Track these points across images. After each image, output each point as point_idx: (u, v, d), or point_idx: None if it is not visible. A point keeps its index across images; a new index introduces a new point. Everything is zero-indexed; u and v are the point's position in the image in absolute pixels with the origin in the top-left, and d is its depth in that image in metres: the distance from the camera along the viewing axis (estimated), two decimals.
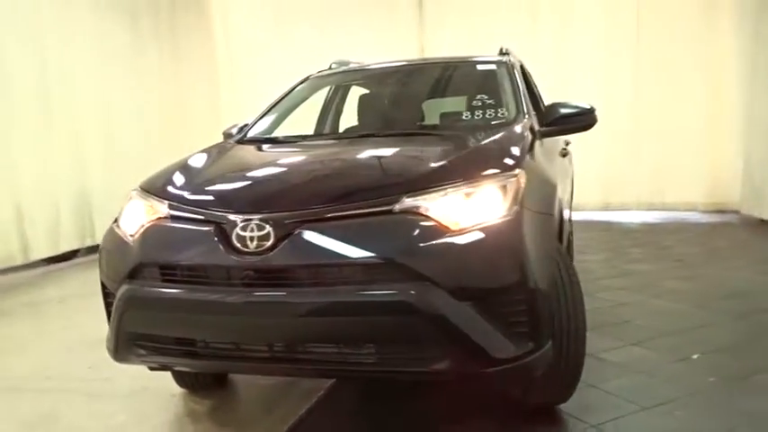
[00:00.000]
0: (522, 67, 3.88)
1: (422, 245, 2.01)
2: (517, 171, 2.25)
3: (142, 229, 2.34)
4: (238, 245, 2.09)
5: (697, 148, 8.30)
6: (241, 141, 3.21)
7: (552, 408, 2.61)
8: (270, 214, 2.10)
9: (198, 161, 2.73)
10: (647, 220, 8.09)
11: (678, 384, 2.84)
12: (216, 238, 2.12)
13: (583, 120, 3.10)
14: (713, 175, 8.30)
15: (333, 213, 2.09)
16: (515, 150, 2.43)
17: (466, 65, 3.72)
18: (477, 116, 3.13)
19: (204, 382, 2.98)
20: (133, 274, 2.27)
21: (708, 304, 4.09)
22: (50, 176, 6.58)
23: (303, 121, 3.88)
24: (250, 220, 2.10)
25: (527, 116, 3.00)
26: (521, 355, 2.09)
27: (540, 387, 2.43)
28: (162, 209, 2.35)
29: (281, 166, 2.61)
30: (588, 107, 3.13)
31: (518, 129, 2.76)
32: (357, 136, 3.09)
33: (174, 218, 2.30)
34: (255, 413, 2.81)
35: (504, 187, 2.18)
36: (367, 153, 2.67)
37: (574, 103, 3.16)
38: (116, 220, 2.51)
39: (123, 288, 2.27)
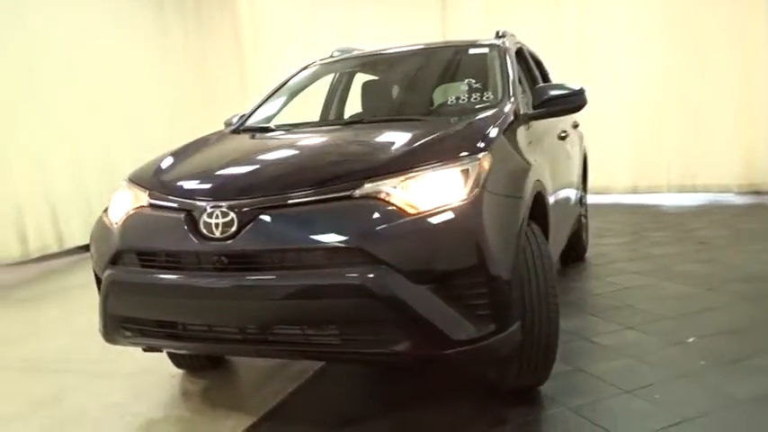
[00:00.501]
0: (520, 50, 3.84)
1: (379, 229, 2.05)
2: (481, 155, 2.26)
3: (124, 217, 2.45)
4: (205, 231, 2.17)
5: (730, 129, 8.04)
6: (236, 131, 3.30)
7: (534, 390, 2.62)
8: (233, 201, 2.18)
9: (184, 151, 2.83)
10: (678, 203, 7.89)
11: (666, 368, 2.80)
12: (186, 226, 2.21)
13: (571, 101, 3.07)
14: (747, 157, 8.04)
15: (294, 200, 2.15)
16: (483, 134, 2.43)
17: (459, 49, 3.70)
18: (463, 100, 3.13)
19: (200, 363, 3.10)
20: (115, 260, 2.39)
21: (720, 288, 3.99)
22: (80, 164, 6.81)
23: (309, 108, 3.97)
24: (215, 207, 2.18)
25: (512, 100, 2.98)
26: (481, 336, 2.12)
27: (514, 369, 2.44)
28: (143, 198, 2.46)
29: (254, 154, 2.67)
30: (577, 88, 3.10)
31: (495, 112, 2.75)
32: (342, 123, 3.14)
33: (152, 206, 2.40)
34: (245, 393, 2.91)
35: (466, 171, 2.19)
36: (338, 140, 2.72)
37: (562, 85, 3.14)
38: (105, 210, 2.63)
39: (106, 273, 2.39)
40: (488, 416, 2.47)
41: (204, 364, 3.10)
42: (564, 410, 2.47)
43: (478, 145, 2.32)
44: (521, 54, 3.87)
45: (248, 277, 2.11)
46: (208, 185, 2.36)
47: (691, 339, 3.13)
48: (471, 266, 2.08)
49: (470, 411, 2.53)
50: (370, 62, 3.94)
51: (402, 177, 2.16)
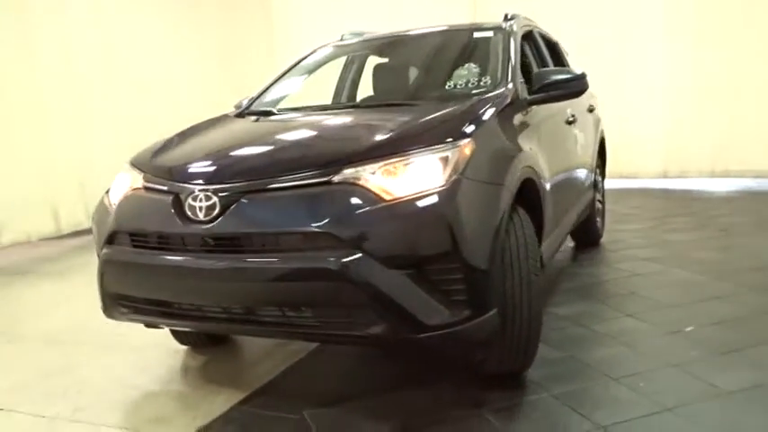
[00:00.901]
0: (530, 33, 3.80)
1: (354, 215, 2.09)
2: (462, 141, 2.28)
3: (121, 199, 2.55)
4: (190, 214, 2.25)
5: (764, 113, 7.77)
6: (241, 114, 3.36)
7: (519, 375, 2.65)
8: (217, 185, 2.25)
9: (183, 135, 2.92)
10: (709, 188, 7.70)
11: (657, 357, 2.79)
12: (173, 208, 2.29)
13: (571, 86, 3.05)
14: None
15: (274, 185, 2.21)
16: (468, 121, 2.44)
17: (464, 33, 3.68)
18: (460, 85, 3.13)
19: (201, 340, 3.21)
20: (110, 240, 2.50)
21: (731, 276, 3.92)
22: (113, 145, 7.03)
23: (317, 91, 4.01)
24: (200, 191, 2.25)
25: (509, 84, 2.97)
26: (456, 322, 2.15)
27: (496, 354, 2.47)
28: (139, 180, 2.55)
29: (246, 139, 2.73)
30: (578, 73, 3.08)
31: (487, 98, 2.75)
32: (339, 107, 3.18)
33: (146, 188, 2.49)
34: (241, 369, 3.00)
35: (445, 158, 2.21)
36: (327, 125, 2.76)
37: (563, 69, 3.11)
38: (107, 191, 2.74)
39: (102, 252, 2.50)
40: (470, 399, 2.51)
41: (205, 341, 3.22)
42: (546, 396, 2.49)
43: (461, 131, 2.34)
44: (530, 37, 3.84)
45: (229, 259, 2.18)
46: (195, 169, 2.43)
47: (688, 329, 3.10)
48: (445, 252, 2.10)
49: (453, 394, 2.57)
50: (376, 45, 3.95)
51: (381, 163, 2.19)
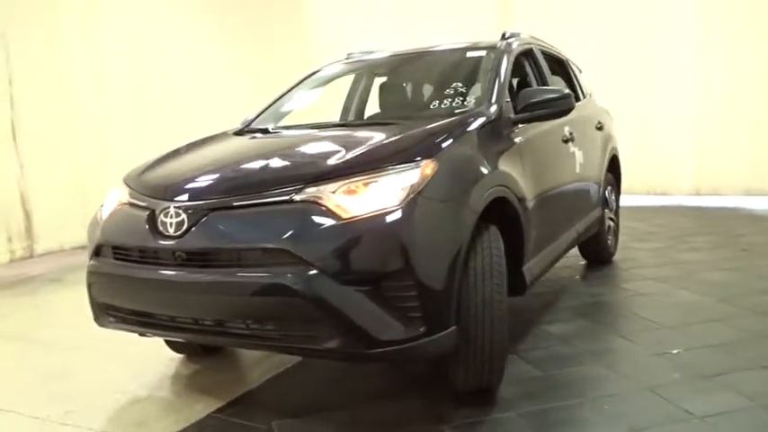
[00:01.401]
0: (529, 51, 3.82)
1: (310, 232, 2.17)
2: (424, 162, 2.33)
3: (109, 213, 2.70)
4: (162, 229, 2.37)
5: None
6: (240, 131, 3.49)
7: (490, 392, 2.66)
8: (185, 202, 2.37)
9: (174, 152, 3.06)
10: (740, 205, 7.46)
11: (636, 379, 2.76)
12: (147, 224, 2.42)
13: (557, 105, 3.07)
14: None
15: (239, 202, 2.31)
16: (433, 141, 2.49)
17: (459, 52, 3.73)
18: (445, 105, 3.18)
19: (194, 350, 3.32)
20: (97, 252, 2.64)
21: (736, 299, 3.82)
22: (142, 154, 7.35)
23: (320, 108, 4.12)
24: (170, 207, 2.37)
25: (493, 104, 3.01)
26: (410, 338, 2.20)
27: (459, 372, 2.50)
28: (126, 196, 2.70)
29: (225, 157, 2.84)
30: (562, 93, 3.09)
31: (462, 118, 2.80)
32: (328, 126, 3.25)
33: (129, 204, 2.63)
34: (226, 379, 3.08)
35: (404, 177, 2.27)
36: (302, 144, 2.85)
37: (548, 89, 3.13)
38: (102, 205, 2.89)
39: (89, 263, 2.65)
40: (436, 414, 2.54)
41: (199, 350, 3.33)
42: (512, 415, 2.50)
43: (424, 152, 2.39)
44: (530, 55, 3.86)
45: (195, 273, 2.29)
46: (169, 186, 2.55)
47: (675, 351, 3.05)
48: (397, 270, 2.16)
49: (420, 409, 2.61)
50: (375, 64, 4.04)
51: (342, 183, 2.27)
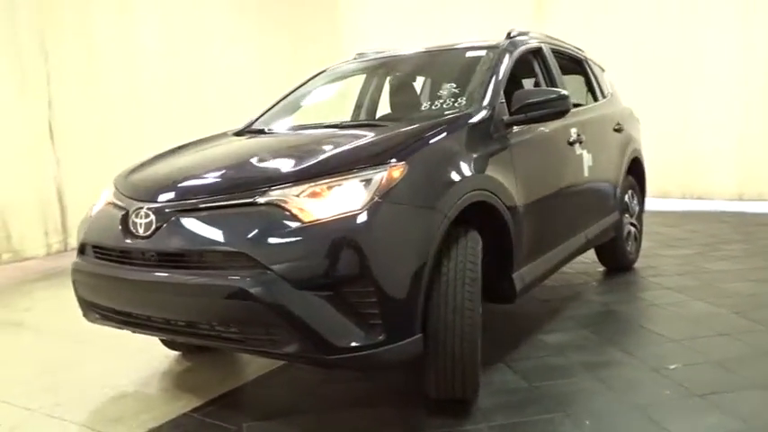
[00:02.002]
0: (538, 51, 3.70)
1: (268, 235, 2.15)
2: (391, 164, 2.28)
3: (94, 213, 2.76)
4: (132, 230, 2.40)
5: None
6: (240, 132, 3.51)
7: (469, 402, 2.59)
8: (154, 204, 2.39)
9: (164, 153, 3.10)
10: None
11: (624, 394, 2.64)
12: (120, 224, 2.45)
13: (551, 106, 2.97)
14: None
15: (205, 204, 2.31)
16: (406, 143, 2.44)
17: (461, 52, 3.65)
18: (436, 106, 3.12)
19: (189, 348, 3.35)
20: (81, 250, 2.70)
21: (753, 312, 3.61)
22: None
23: (323, 109, 4.11)
24: (141, 208, 2.40)
25: (485, 105, 2.93)
26: (369, 345, 2.16)
27: (430, 381, 2.44)
28: (110, 195, 2.75)
29: (202, 158, 2.85)
30: (558, 94, 2.99)
31: (448, 119, 2.75)
32: (319, 127, 3.23)
33: (112, 204, 2.68)
34: (212, 377, 3.07)
35: (368, 181, 2.23)
36: (278, 145, 2.84)
37: (544, 90, 3.03)
38: (94, 204, 2.96)
39: (73, 261, 2.71)
40: (406, 423, 2.49)
41: (193, 348, 3.37)
42: (484, 427, 2.43)
43: (393, 154, 2.34)
44: (539, 54, 3.75)
45: (160, 274, 2.30)
46: (143, 187, 2.58)
47: (673, 366, 2.90)
48: (355, 276, 2.12)
49: (393, 416, 2.56)
50: (378, 65, 3.99)
51: (307, 185, 2.24)
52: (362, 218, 2.15)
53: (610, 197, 4.26)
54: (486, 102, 2.96)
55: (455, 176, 2.49)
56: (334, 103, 4.04)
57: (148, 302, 2.41)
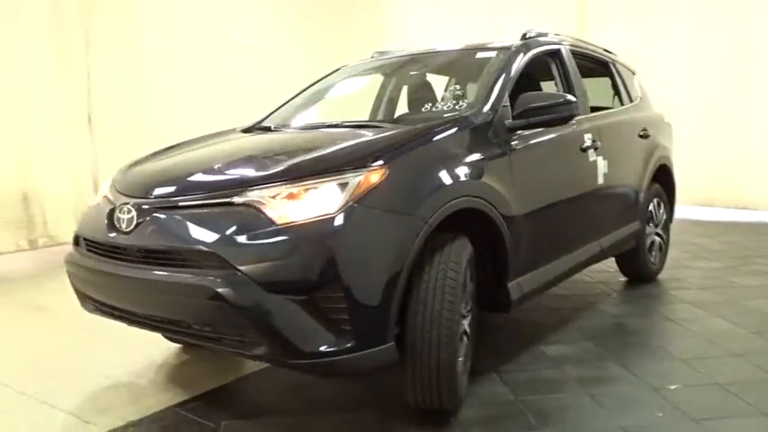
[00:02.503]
0: (556, 53, 3.59)
1: (241, 237, 2.14)
2: (371, 168, 2.24)
3: (91, 206, 2.81)
4: (116, 225, 2.43)
5: None
6: (248, 129, 3.52)
7: (450, 413, 2.53)
8: (136, 199, 2.41)
9: (165, 149, 3.12)
10: None
11: (614, 414, 2.53)
12: (106, 218, 2.49)
13: (555, 111, 2.87)
14: None
15: (184, 202, 2.32)
16: (388, 147, 2.39)
17: (472, 52, 3.56)
18: (437, 108, 3.05)
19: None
20: (76, 242, 2.75)
21: None
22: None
23: (337, 108, 4.09)
24: (125, 203, 2.42)
25: (486, 108, 2.85)
26: (338, 351, 2.13)
27: (408, 390, 2.40)
28: (106, 189, 2.79)
29: (191, 156, 2.84)
30: (563, 99, 2.89)
31: (442, 122, 2.68)
32: (319, 126, 3.21)
33: (105, 198, 2.72)
34: (204, 372, 3.09)
35: (345, 184, 2.19)
36: (271, 144, 2.83)
37: (549, 94, 2.94)
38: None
39: (68, 253, 2.77)
40: (384, 430, 2.45)
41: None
42: None
43: (374, 158, 2.29)
44: (556, 56, 3.63)
45: (137, 270, 2.32)
46: (131, 183, 2.61)
47: (673, 387, 2.77)
48: (326, 281, 2.08)
49: (371, 423, 2.53)
50: (391, 65, 3.94)
51: (284, 187, 2.22)
52: (335, 222, 2.11)
53: (630, 205, 4.10)
54: (487, 105, 2.88)
55: (440, 182, 2.42)
56: (347, 101, 4.00)
57: (129, 297, 2.44)
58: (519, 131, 2.94)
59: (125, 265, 2.39)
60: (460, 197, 2.47)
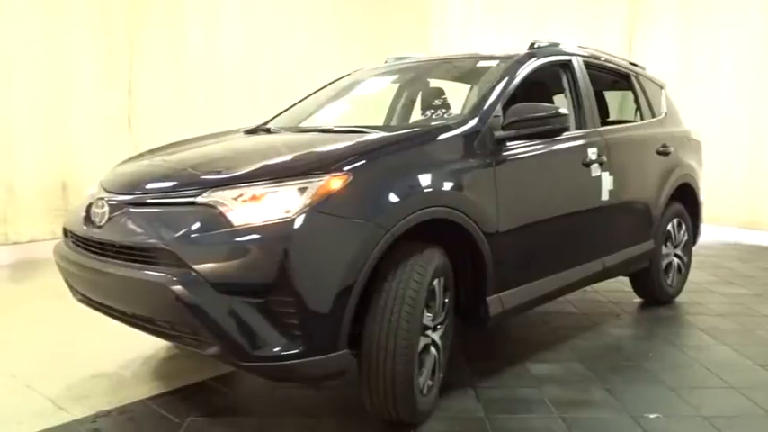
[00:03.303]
0: (567, 64, 3.51)
1: (198, 236, 2.16)
2: (333, 174, 2.23)
3: (83, 199, 2.90)
4: (92, 219, 2.50)
5: None
6: (251, 130, 3.56)
7: (413, 425, 2.50)
8: (111, 195, 2.47)
9: (159, 147, 3.20)
10: None
11: None
12: (84, 212, 2.57)
13: (546, 123, 2.81)
14: None
15: (151, 199, 2.37)
16: (356, 152, 2.38)
17: (474, 61, 3.51)
18: (426, 116, 3.02)
19: None
20: (65, 233, 2.85)
21: None
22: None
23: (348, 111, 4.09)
24: (101, 198, 2.50)
25: (472, 120, 2.80)
26: (286, 355, 2.13)
27: (365, 399, 2.38)
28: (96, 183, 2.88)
29: (175, 155, 2.87)
30: (554, 111, 2.81)
31: (419, 131, 2.66)
32: (309, 131, 3.22)
33: (93, 191, 2.80)
34: (188, 368, 3.13)
35: (304, 189, 2.19)
36: (245, 146, 2.86)
37: (540, 106, 2.86)
38: None
39: (56, 243, 2.87)
40: None
41: None
42: None
43: (338, 163, 2.28)
44: (567, 68, 3.54)
45: (105, 263, 2.37)
46: (111, 179, 2.68)
47: (653, 416, 2.64)
48: (277, 285, 2.09)
49: (332, 430, 2.51)
50: (397, 71, 3.92)
51: (246, 189, 2.24)
52: (290, 226, 2.11)
53: (642, 224, 3.95)
54: (475, 114, 2.83)
55: (407, 191, 2.39)
56: (355, 105, 4.00)
57: (101, 290, 2.51)
58: (509, 143, 2.88)
59: (98, 258, 2.45)
60: (431, 207, 2.44)
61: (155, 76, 7.12)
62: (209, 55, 7.58)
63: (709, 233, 6.15)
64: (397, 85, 3.88)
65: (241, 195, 2.23)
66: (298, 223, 2.12)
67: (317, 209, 2.16)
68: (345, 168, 2.27)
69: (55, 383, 2.94)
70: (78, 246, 2.61)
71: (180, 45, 7.31)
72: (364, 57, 8.94)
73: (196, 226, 2.19)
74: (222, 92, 7.69)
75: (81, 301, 2.82)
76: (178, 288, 2.10)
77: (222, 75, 7.70)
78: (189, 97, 7.42)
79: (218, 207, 2.21)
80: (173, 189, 2.38)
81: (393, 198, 2.33)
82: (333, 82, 4.00)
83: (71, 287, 2.84)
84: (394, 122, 3.99)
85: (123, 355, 3.31)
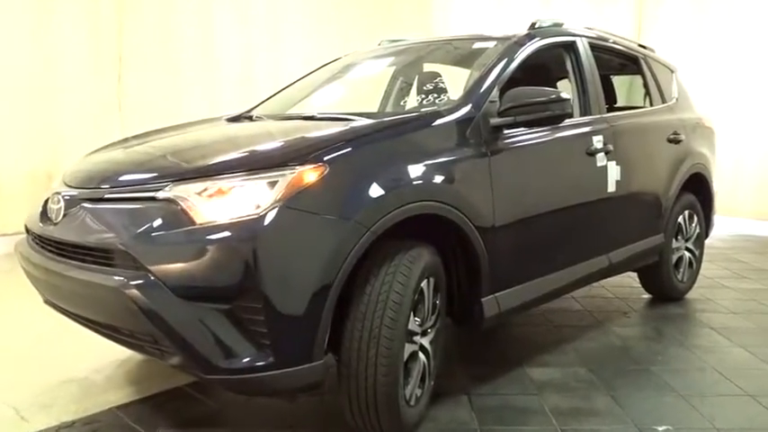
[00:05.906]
0: (571, 45, 3.27)
1: (156, 235, 1.95)
2: (306, 166, 2.01)
3: None
4: (48, 215, 2.29)
5: None
6: (236, 117, 3.34)
7: None
8: (67, 189, 2.27)
9: (126, 138, 2.99)
10: None
11: None
12: (42, 208, 2.36)
13: (547, 109, 2.57)
14: None
15: (109, 194, 2.16)
16: (333, 143, 2.15)
17: (470, 42, 3.26)
18: (418, 101, 2.79)
19: None
20: (27, 230, 2.64)
21: None
22: None
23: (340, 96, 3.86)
24: (57, 193, 2.29)
25: (464, 106, 2.57)
26: (255, 368, 1.93)
27: (346, 409, 2.18)
28: None
29: (143, 145, 2.66)
30: (555, 95, 2.58)
31: (406, 118, 2.44)
32: (291, 118, 3.01)
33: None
34: (163, 375, 2.89)
35: (274, 183, 1.97)
36: (220, 135, 2.64)
37: (541, 90, 2.62)
38: None
39: (17, 241, 2.66)
40: None
41: None
42: None
43: (311, 155, 2.06)
44: (571, 50, 3.30)
45: (59, 264, 2.17)
46: (70, 172, 2.47)
47: (662, 428, 2.43)
48: (243, 289, 1.88)
49: None
50: (391, 54, 3.67)
51: (210, 183, 2.02)
52: (257, 224, 1.90)
53: (651, 216, 3.72)
54: (467, 100, 2.60)
55: (391, 184, 2.16)
56: (346, 90, 3.77)
57: (57, 293, 2.31)
58: (507, 131, 2.66)
59: (56, 259, 2.24)
60: (417, 202, 2.21)
61: (145, 61, 6.90)
62: (202, 40, 7.36)
63: (722, 225, 5.90)
64: (392, 68, 3.65)
65: (206, 190, 2.01)
66: (266, 221, 1.90)
67: (288, 204, 1.94)
68: (321, 160, 2.05)
69: (21, 389, 2.75)
70: (37, 244, 2.41)
71: (171, 30, 7.08)
72: (364, 43, 8.73)
73: (156, 224, 1.98)
74: (216, 78, 7.48)
75: (46, 303, 2.63)
76: (133, 292, 1.89)
77: (216, 60, 7.48)
78: (181, 84, 7.21)
79: (180, 203, 1.99)
80: (133, 183, 2.17)
81: (375, 192, 2.11)
82: (324, 65, 3.77)
83: (36, 289, 2.65)
84: (389, 108, 3.78)
85: (98, 357, 3.11)
